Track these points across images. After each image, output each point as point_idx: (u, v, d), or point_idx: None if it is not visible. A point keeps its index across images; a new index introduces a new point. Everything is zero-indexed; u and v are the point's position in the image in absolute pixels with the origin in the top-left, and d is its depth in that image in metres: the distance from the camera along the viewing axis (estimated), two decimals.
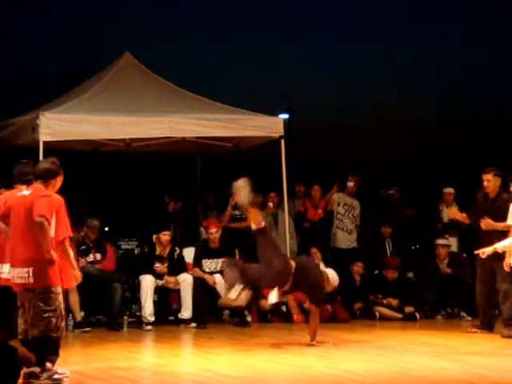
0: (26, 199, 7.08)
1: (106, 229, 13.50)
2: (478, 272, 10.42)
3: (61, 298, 7.07)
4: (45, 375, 6.91)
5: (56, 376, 6.99)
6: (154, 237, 11.39)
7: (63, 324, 7.14)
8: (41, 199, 6.97)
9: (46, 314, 6.94)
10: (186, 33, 29.01)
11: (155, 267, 11.13)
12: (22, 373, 6.85)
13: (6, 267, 7.45)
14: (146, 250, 11.43)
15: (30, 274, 6.94)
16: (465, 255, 12.73)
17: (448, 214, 10.87)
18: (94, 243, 11.16)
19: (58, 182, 7.26)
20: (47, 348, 7.00)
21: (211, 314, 11.40)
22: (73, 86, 13.22)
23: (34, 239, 6.93)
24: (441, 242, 12.45)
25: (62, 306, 7.11)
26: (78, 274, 7.24)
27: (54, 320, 6.97)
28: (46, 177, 7.17)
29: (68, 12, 26.83)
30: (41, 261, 6.93)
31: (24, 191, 7.28)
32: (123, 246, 12.53)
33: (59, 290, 7.06)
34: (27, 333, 7.05)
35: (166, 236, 11.30)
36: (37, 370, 6.90)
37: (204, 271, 11.38)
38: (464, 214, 10.68)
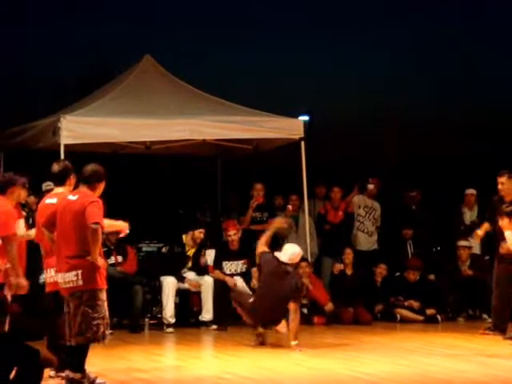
0: (74, 204, 6.98)
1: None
2: (495, 275, 10.39)
3: (106, 304, 7.00)
4: (86, 381, 6.89)
5: (98, 381, 6.98)
6: (184, 236, 11.39)
7: (108, 331, 7.08)
8: (92, 205, 6.88)
9: (95, 322, 6.87)
10: (204, 33, 28.94)
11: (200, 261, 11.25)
12: (65, 380, 6.89)
13: (52, 272, 7.32)
14: (176, 250, 11.39)
15: (79, 277, 6.87)
16: (487, 257, 12.67)
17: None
18: (114, 246, 11.18)
19: (103, 185, 7.18)
20: (86, 353, 6.96)
21: (232, 316, 11.40)
22: (89, 90, 13.26)
23: (84, 243, 6.86)
24: (462, 243, 12.39)
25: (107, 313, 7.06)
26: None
27: (102, 327, 6.91)
28: (93, 180, 7.08)
29: (81, 15, 26.77)
30: (90, 264, 6.87)
31: (70, 196, 7.16)
32: (144, 249, 12.54)
33: (105, 295, 7.00)
34: (68, 338, 6.96)
35: (201, 234, 11.32)
36: (77, 375, 6.86)
37: (224, 273, 11.39)
38: (486, 226, 10.58)
